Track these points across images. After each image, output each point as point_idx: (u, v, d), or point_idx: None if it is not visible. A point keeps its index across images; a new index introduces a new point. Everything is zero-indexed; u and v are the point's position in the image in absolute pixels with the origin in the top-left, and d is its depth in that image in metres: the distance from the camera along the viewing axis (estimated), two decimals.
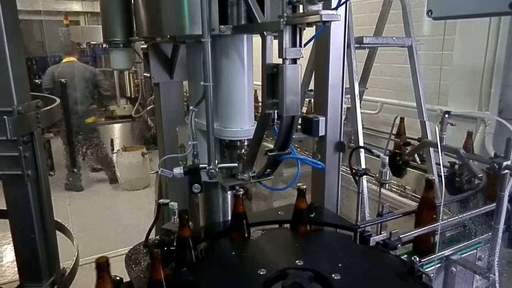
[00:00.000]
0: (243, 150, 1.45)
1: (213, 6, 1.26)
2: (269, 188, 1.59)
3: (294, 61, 1.11)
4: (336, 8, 1.03)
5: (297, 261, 1.33)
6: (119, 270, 1.42)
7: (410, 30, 2.58)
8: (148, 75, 1.97)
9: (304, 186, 1.55)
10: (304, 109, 3.56)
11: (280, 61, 1.13)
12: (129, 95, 7.25)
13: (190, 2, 1.32)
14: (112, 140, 6.83)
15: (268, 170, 1.36)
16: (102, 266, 1.15)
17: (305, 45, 1.10)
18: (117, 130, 6.99)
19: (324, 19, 0.97)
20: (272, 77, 1.15)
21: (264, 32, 1.16)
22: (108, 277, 1.15)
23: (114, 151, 6.54)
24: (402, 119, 3.02)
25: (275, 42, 1.14)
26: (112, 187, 6.08)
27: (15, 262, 1.37)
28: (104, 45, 7.29)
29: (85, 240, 3.88)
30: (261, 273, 1.27)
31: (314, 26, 1.10)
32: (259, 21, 1.20)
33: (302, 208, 1.56)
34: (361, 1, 4.43)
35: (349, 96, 2.30)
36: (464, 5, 1.11)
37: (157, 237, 1.53)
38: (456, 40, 3.55)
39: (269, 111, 1.20)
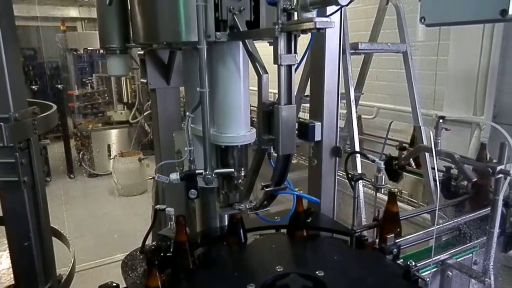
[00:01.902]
0: (240, 180, 1.47)
1: (209, 13, 1.27)
2: (266, 220, 1.63)
3: (289, 101, 1.14)
4: (330, 16, 1.04)
5: (293, 267, 1.34)
6: (115, 276, 1.41)
7: (405, 36, 2.61)
8: (145, 81, 1.98)
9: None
10: (301, 114, 3.58)
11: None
12: (126, 101, 7.26)
13: (186, 9, 1.33)
14: (109, 146, 6.83)
15: (265, 202, 1.39)
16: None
17: (302, 58, 1.12)
18: (114, 136, 6.99)
19: (318, 26, 0.98)
20: (269, 114, 1.18)
21: (260, 71, 1.19)
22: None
23: (111, 157, 6.54)
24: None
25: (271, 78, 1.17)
26: (108, 192, 6.07)
27: (11, 269, 1.37)
28: (101, 51, 7.30)
29: (82, 246, 3.88)
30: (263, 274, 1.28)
31: (309, 33, 1.11)
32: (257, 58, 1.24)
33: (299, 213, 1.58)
34: (356, 7, 4.47)
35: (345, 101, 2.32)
36: (456, 12, 1.13)
37: (153, 243, 1.53)
38: (451, 45, 3.59)
39: (265, 146, 1.23)
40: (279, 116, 1.14)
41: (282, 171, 1.28)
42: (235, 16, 1.28)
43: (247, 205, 1.42)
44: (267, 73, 1.20)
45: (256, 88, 1.21)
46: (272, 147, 1.24)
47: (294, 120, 1.18)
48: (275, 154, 1.25)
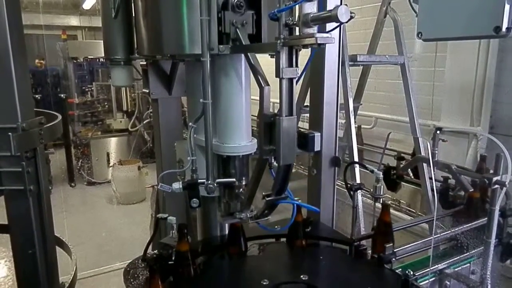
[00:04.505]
0: (241, 189, 1.49)
1: (212, 27, 1.31)
2: (266, 229, 1.64)
3: (290, 113, 1.18)
4: (330, 31, 1.08)
5: (291, 275, 1.36)
6: (115, 284, 1.43)
7: (403, 48, 2.66)
8: (147, 91, 2.01)
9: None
10: (301, 124, 3.61)
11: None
12: (125, 109, 7.29)
13: (190, 22, 1.37)
14: (108, 154, 6.84)
15: (266, 211, 1.41)
16: None
17: (303, 72, 1.15)
18: (113, 144, 7.00)
19: (319, 42, 1.02)
20: (270, 125, 1.21)
21: (262, 83, 1.21)
22: None
23: (110, 165, 6.55)
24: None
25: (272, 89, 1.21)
26: (107, 201, 6.07)
27: (8, 278, 1.38)
28: (101, 60, 7.37)
29: (81, 254, 3.87)
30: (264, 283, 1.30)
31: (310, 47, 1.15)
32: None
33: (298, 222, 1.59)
34: (355, 19, 4.52)
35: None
36: (452, 28, 1.17)
37: (155, 252, 1.55)
38: (448, 57, 3.64)
39: (266, 157, 1.26)
40: (280, 127, 1.17)
41: (283, 181, 1.30)
42: (237, 30, 1.32)
43: (248, 214, 1.44)
44: (268, 85, 1.22)
45: (257, 98, 1.24)
46: (273, 157, 1.26)
47: (295, 131, 1.21)
48: (276, 164, 1.28)
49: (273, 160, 1.28)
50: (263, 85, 1.21)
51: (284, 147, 1.18)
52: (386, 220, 1.58)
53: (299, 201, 1.59)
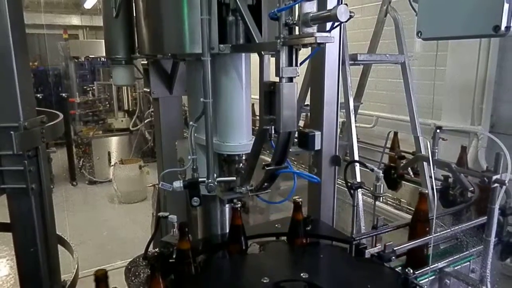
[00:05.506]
0: (241, 164, 1.49)
1: (213, 26, 1.32)
2: (266, 201, 1.62)
3: (290, 79, 1.16)
4: (330, 31, 1.09)
5: (291, 273, 1.37)
6: (116, 283, 1.43)
7: (403, 47, 2.66)
8: (148, 90, 2.02)
9: (300, 199, 1.59)
10: (302, 123, 3.62)
11: (277, 79, 1.18)
12: (126, 108, 7.31)
13: (190, 21, 1.37)
14: (109, 153, 6.86)
15: (266, 184, 1.40)
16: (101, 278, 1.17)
17: (300, 64, 1.15)
18: (114, 143, 7.02)
19: (318, 41, 1.02)
20: (270, 94, 1.20)
21: (262, 52, 1.20)
22: None
23: (112, 164, 6.56)
24: (395, 134, 3.08)
25: (272, 60, 1.20)
26: (108, 200, 6.09)
27: (10, 276, 1.39)
28: (102, 59, 7.39)
29: (82, 253, 3.87)
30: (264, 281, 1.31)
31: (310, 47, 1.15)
32: (256, 41, 1.26)
33: (299, 220, 1.60)
34: (355, 18, 4.52)
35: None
36: (452, 27, 1.17)
37: (156, 250, 1.56)
38: (448, 56, 3.64)
39: (266, 126, 1.24)
40: (280, 93, 1.15)
41: (283, 150, 1.27)
42: (237, 0, 1.31)
43: (247, 188, 1.44)
44: (268, 54, 1.21)
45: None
46: (273, 128, 1.24)
47: (295, 98, 1.18)
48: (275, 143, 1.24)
49: (273, 131, 1.25)
50: (262, 53, 1.20)
51: (285, 114, 1.16)
52: (423, 209, 1.65)
53: (300, 200, 1.61)
